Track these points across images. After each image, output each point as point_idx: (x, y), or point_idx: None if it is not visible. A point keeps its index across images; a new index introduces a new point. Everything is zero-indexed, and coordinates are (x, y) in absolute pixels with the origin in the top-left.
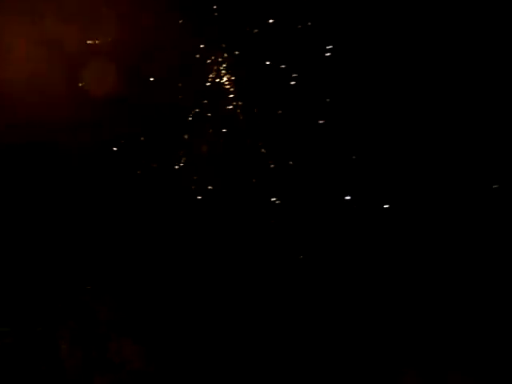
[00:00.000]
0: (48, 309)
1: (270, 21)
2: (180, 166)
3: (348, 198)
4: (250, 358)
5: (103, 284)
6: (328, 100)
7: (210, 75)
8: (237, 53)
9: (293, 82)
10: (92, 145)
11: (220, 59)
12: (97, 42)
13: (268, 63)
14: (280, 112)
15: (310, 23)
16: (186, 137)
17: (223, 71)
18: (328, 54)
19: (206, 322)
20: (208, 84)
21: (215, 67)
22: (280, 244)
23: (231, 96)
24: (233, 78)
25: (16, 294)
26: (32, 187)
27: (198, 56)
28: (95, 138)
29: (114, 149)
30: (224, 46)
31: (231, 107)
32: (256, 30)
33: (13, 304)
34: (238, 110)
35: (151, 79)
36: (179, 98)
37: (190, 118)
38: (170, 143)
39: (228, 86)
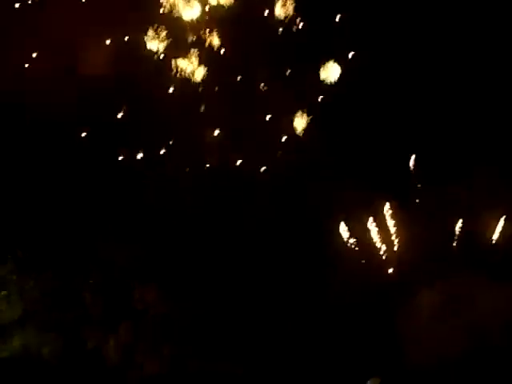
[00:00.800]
0: (71, 257)
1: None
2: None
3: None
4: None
5: (126, 232)
6: None
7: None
8: None
9: None
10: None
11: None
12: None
13: None
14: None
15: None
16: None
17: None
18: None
19: (227, 268)
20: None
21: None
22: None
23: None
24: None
25: (40, 242)
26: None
27: None
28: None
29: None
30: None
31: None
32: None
33: (37, 252)
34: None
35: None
36: None
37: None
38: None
39: None
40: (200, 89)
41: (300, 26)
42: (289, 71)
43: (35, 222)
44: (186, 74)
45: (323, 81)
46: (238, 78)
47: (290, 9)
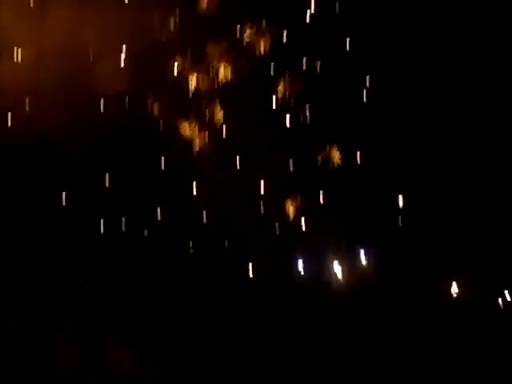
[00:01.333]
0: (50, 308)
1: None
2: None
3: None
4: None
5: (103, 286)
6: None
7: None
8: None
9: None
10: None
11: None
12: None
13: None
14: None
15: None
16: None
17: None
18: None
19: (202, 329)
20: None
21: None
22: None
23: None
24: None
25: (17, 292)
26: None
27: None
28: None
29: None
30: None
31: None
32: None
33: (13, 302)
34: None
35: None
36: None
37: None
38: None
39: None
40: (195, 158)
41: (306, 112)
42: (288, 155)
43: (14, 264)
44: (184, 140)
45: (322, 166)
46: (235, 156)
47: (298, 92)
